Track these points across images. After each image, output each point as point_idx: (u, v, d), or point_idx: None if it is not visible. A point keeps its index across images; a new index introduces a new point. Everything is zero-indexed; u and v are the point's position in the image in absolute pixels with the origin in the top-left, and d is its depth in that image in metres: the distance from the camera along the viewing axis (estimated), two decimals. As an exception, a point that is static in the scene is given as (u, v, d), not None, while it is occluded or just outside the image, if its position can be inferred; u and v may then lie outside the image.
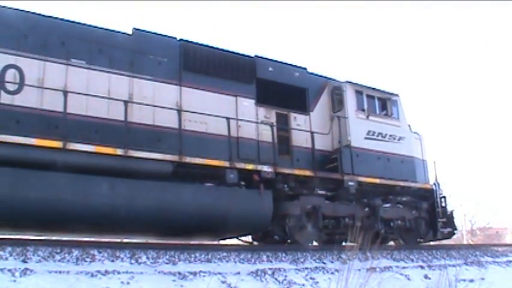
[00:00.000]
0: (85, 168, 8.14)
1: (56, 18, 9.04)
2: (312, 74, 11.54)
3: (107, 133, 8.74)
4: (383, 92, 11.97)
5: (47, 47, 8.73)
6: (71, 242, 8.05)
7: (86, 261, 6.76)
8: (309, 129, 10.93)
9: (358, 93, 11.49)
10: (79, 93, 8.48)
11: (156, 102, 9.34)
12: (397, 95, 12.13)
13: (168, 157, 8.85)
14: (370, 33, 76.18)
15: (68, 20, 9.13)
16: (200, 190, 9.17)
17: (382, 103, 11.90)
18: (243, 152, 9.86)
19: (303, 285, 7.21)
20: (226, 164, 9.36)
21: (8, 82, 8.21)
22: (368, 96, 11.61)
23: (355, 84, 11.54)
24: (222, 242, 11.13)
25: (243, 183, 9.56)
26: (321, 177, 10.50)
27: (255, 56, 10.82)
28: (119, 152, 8.45)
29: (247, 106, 10.33)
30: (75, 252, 6.91)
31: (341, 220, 10.72)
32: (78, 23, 9.21)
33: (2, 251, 6.48)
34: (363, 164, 11.03)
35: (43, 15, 8.94)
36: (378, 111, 11.75)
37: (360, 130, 11.25)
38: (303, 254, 8.86)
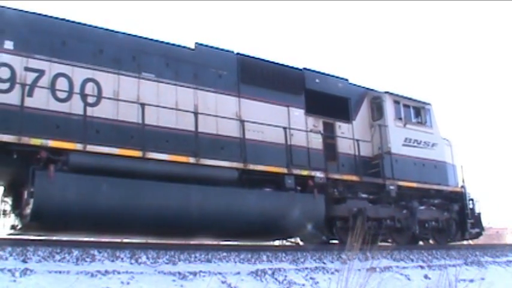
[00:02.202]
0: (161, 176, 8.76)
1: (128, 34, 9.63)
2: (353, 84, 12.31)
3: (176, 142, 9.35)
4: (417, 101, 12.83)
5: (120, 61, 9.31)
6: (71, 242, 8.15)
7: (86, 261, 6.77)
8: (351, 137, 11.69)
9: (396, 102, 12.32)
10: (157, 106, 9.11)
11: (218, 112, 9.98)
12: (429, 104, 12.99)
13: (234, 164, 9.51)
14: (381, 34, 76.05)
15: (137, 36, 9.72)
16: (263, 195, 9.85)
17: (416, 112, 12.76)
18: (296, 159, 10.54)
19: (303, 285, 7.29)
20: (285, 170, 10.07)
21: (89, 95, 8.78)
22: (404, 105, 12.46)
23: (393, 94, 12.35)
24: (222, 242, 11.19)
25: (298, 188, 10.26)
26: (366, 181, 11.25)
27: (304, 68, 11.55)
28: (191, 160, 9.09)
29: (298, 116, 11.03)
30: (75, 252, 6.92)
31: (383, 222, 11.48)
32: (147, 38, 9.80)
33: (2, 251, 6.47)
34: (401, 169, 11.83)
35: (116, 31, 9.52)
36: (413, 120, 12.59)
37: (398, 137, 12.06)
38: (303, 254, 9.00)
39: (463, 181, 13.33)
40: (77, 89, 8.77)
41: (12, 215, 8.88)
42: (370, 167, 11.73)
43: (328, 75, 11.91)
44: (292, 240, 11.75)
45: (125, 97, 9.12)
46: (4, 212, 9.12)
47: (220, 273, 6.92)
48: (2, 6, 8.56)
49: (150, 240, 9.68)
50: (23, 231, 8.53)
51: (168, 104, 9.49)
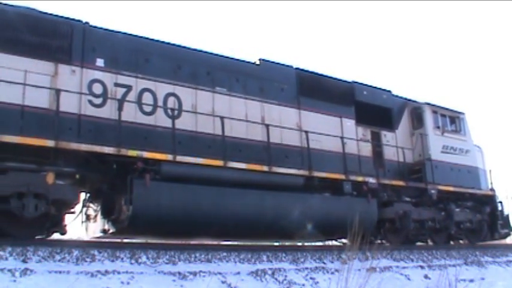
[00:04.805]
0: (239, 183, 9.55)
1: (202, 50, 10.40)
2: (395, 95, 13.25)
3: (247, 151, 10.14)
4: (452, 111, 13.85)
5: (197, 76, 10.08)
6: (71, 242, 8.28)
7: (86, 261, 6.78)
8: (395, 144, 12.62)
9: (434, 112, 13.31)
10: (233, 119, 9.91)
11: (282, 123, 10.80)
12: (463, 113, 14.02)
13: (301, 172, 10.35)
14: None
15: (210, 53, 10.50)
16: (326, 199, 10.71)
17: (451, 120, 13.75)
18: (350, 166, 11.40)
19: (303, 285, 7.31)
20: (343, 176, 10.95)
21: (172, 109, 9.52)
22: (441, 115, 13.46)
23: (432, 105, 13.34)
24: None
25: (354, 192, 11.14)
26: (410, 186, 12.19)
27: (353, 81, 12.44)
28: (265, 168, 9.89)
29: (349, 126, 11.92)
30: (75, 252, 6.95)
31: (425, 223, 12.42)
32: (218, 55, 10.58)
33: (2, 251, 6.48)
34: (440, 174, 12.80)
35: (192, 48, 10.28)
36: (449, 128, 13.58)
37: (437, 145, 13.06)
38: (303, 254, 9.10)
39: (492, 184, 14.35)
40: (160, 103, 9.51)
41: (100, 220, 9.59)
42: (412, 172, 12.67)
43: (374, 87, 12.83)
44: (344, 241, 12.61)
45: (202, 110, 9.89)
46: (88, 217, 9.84)
47: (220, 273, 7.01)
48: (93, 26, 9.25)
49: (150, 240, 9.81)
50: (116, 235, 9.25)
51: (238, 116, 10.28)
